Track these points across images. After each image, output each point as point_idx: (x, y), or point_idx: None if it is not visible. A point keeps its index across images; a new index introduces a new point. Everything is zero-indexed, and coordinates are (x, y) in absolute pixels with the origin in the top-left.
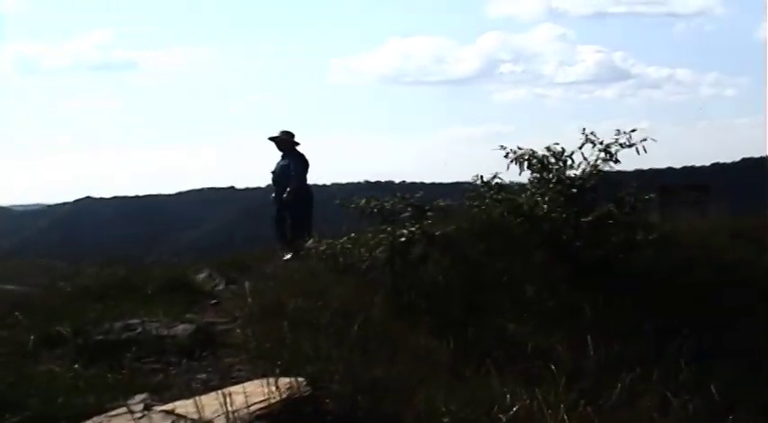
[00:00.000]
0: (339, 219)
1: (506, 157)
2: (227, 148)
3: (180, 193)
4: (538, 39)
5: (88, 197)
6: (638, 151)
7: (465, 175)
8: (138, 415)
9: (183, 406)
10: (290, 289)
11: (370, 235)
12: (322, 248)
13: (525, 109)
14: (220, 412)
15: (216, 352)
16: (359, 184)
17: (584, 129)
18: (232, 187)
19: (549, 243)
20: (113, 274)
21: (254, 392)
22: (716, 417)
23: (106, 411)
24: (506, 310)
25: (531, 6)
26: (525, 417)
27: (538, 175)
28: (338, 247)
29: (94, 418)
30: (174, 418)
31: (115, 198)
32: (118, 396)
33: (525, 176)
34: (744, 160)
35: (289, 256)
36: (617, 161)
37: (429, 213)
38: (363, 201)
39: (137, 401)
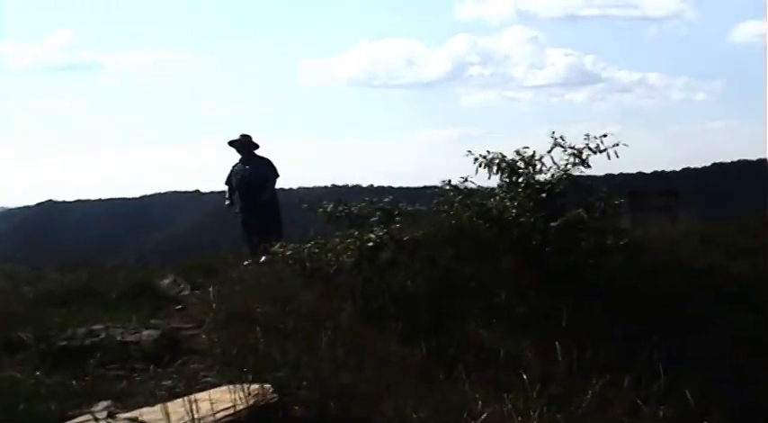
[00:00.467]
0: (305, 223)
1: (476, 161)
2: (192, 151)
3: (144, 197)
4: (507, 41)
5: (50, 200)
6: (608, 156)
7: (434, 179)
8: (102, 422)
9: (148, 413)
10: (256, 294)
11: (337, 240)
12: (288, 253)
13: (495, 112)
14: (186, 419)
15: (181, 358)
16: (326, 187)
17: (553, 132)
18: (197, 190)
19: (518, 248)
20: (77, 278)
21: (221, 399)
22: None
23: (69, 419)
24: (476, 315)
25: (501, 9)
26: None
27: (507, 180)
28: (305, 251)
29: None
30: None
31: (78, 201)
32: (81, 403)
33: (495, 181)
34: (715, 165)
35: (251, 261)
36: (588, 166)
37: (397, 218)
38: (331, 205)
39: (100, 408)
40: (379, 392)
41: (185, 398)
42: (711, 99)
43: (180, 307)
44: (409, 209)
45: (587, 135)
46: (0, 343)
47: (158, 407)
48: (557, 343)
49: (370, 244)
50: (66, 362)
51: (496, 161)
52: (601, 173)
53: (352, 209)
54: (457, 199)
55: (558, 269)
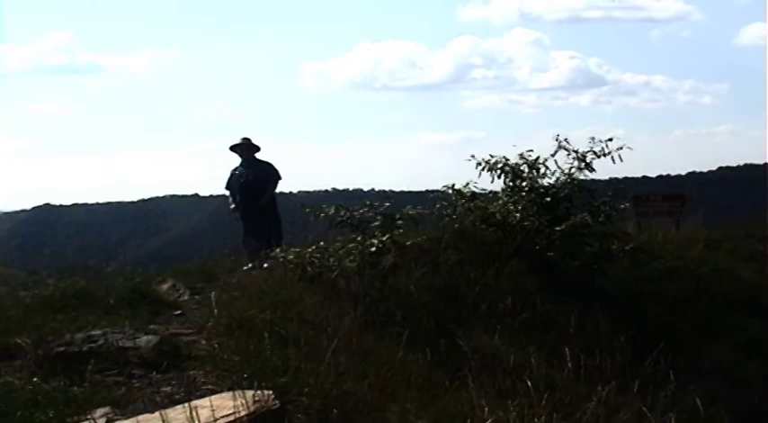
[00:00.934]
0: (306, 227)
1: (479, 165)
2: (192, 155)
3: (143, 201)
4: (510, 44)
5: (47, 204)
6: (613, 160)
7: (437, 183)
8: None
9: (147, 420)
10: (257, 299)
11: (339, 244)
12: (290, 258)
13: (498, 115)
14: None
15: (181, 364)
16: (326, 191)
17: (557, 136)
18: (196, 194)
19: (522, 253)
20: (74, 283)
21: (222, 406)
22: None
23: None
24: (480, 321)
25: (504, 10)
26: None
27: (511, 184)
28: (306, 256)
29: None
30: None
31: (75, 205)
32: (79, 410)
33: (498, 185)
34: (720, 169)
35: (251, 265)
36: (592, 170)
37: (399, 222)
38: (332, 209)
39: (99, 415)
40: (382, 400)
41: (185, 404)
42: (718, 102)
43: (179, 312)
44: (411, 212)
45: (592, 139)
46: None
47: (158, 414)
48: (562, 349)
49: (373, 249)
50: (63, 368)
51: (500, 165)
52: (605, 177)
53: (354, 213)
54: (460, 203)
55: (562, 274)
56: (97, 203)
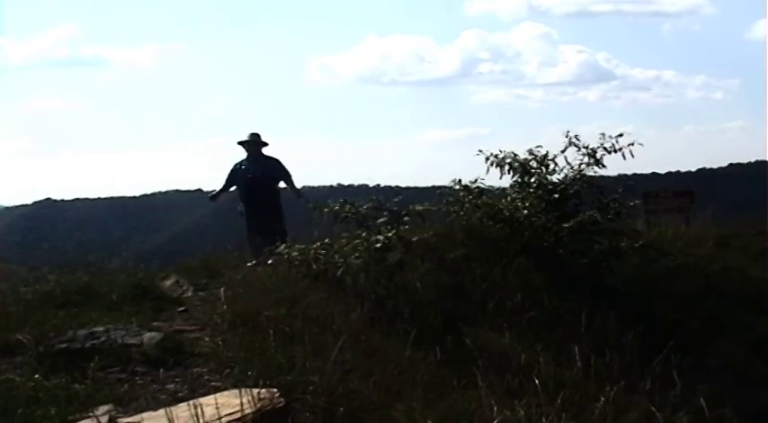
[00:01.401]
0: (311, 223)
1: (487, 160)
2: (195, 149)
3: (145, 196)
4: (518, 38)
5: (48, 199)
6: (624, 156)
7: (443, 179)
8: None
9: (151, 418)
10: (261, 296)
11: (344, 240)
12: (294, 254)
13: (505, 110)
14: None
15: (185, 361)
16: (332, 187)
17: (567, 132)
18: (199, 189)
19: (530, 250)
20: (76, 279)
21: (226, 404)
22: None
23: None
24: (487, 319)
25: (512, 4)
26: None
27: (519, 180)
28: (311, 252)
29: None
30: None
31: (77, 200)
32: (81, 407)
33: (506, 181)
34: (731, 166)
35: (255, 261)
36: (602, 166)
37: (406, 218)
38: (337, 205)
39: (101, 413)
40: (388, 398)
41: (189, 402)
42: (729, 98)
43: (182, 309)
44: (418, 208)
45: (602, 134)
46: None
47: (161, 411)
48: (570, 347)
49: (378, 245)
50: (65, 365)
51: (508, 161)
52: (614, 173)
53: (359, 209)
54: (467, 199)
55: (571, 271)
56: (99, 198)
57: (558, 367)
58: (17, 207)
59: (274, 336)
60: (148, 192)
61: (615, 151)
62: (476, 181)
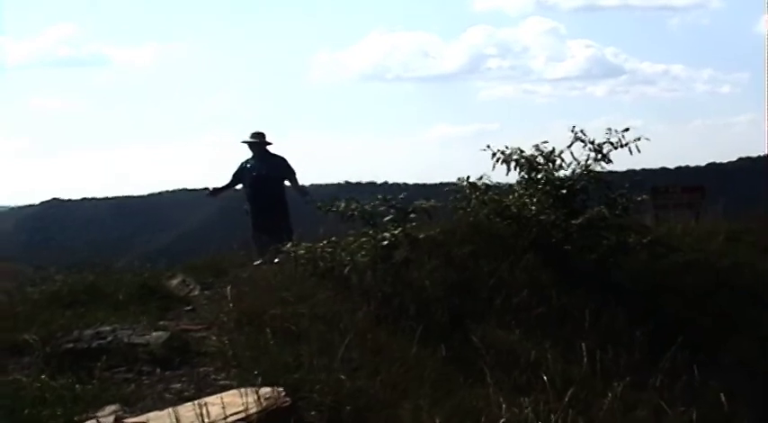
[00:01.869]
0: (317, 221)
1: (493, 156)
2: (200, 148)
3: (152, 195)
4: (526, 33)
5: (55, 199)
6: (630, 151)
7: (450, 176)
8: None
9: (157, 418)
10: (268, 295)
11: (351, 238)
12: (301, 252)
13: (512, 106)
14: None
15: (191, 361)
16: (339, 184)
17: (573, 127)
18: (206, 188)
19: (537, 246)
20: (83, 279)
21: (232, 403)
22: None
23: None
24: (494, 316)
25: None
26: None
27: (526, 176)
28: (318, 251)
29: None
30: None
31: (84, 200)
32: (88, 408)
33: (513, 177)
34: (740, 160)
35: (261, 260)
36: (609, 161)
37: (412, 215)
38: (343, 204)
39: (107, 413)
40: (395, 396)
41: (195, 402)
42: (737, 91)
43: (189, 308)
44: (425, 205)
45: (609, 129)
46: (4, 346)
47: (167, 411)
48: (578, 344)
49: (385, 243)
50: (72, 365)
51: (515, 157)
52: (622, 168)
53: (366, 207)
54: (474, 196)
55: (579, 268)
56: (106, 198)
57: (566, 364)
58: (24, 207)
59: (280, 334)
60: (154, 191)
61: (622, 146)
62: (481, 178)
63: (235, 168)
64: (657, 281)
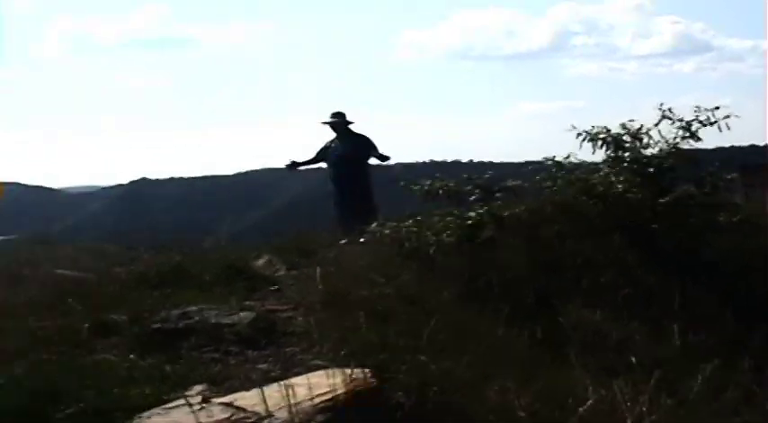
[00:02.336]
0: (402, 200)
1: (579, 135)
2: (288, 127)
3: (239, 174)
4: (612, 10)
5: (144, 179)
6: (720, 129)
7: (536, 154)
8: (197, 407)
9: (243, 398)
10: (354, 275)
11: (436, 218)
12: (386, 232)
13: (598, 83)
14: (282, 405)
15: (277, 341)
16: (425, 163)
17: (660, 104)
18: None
19: (624, 225)
20: (170, 259)
21: (318, 384)
22: None
23: (163, 403)
24: (580, 296)
25: None
26: (602, 410)
27: (612, 155)
28: (403, 230)
29: (151, 411)
30: (234, 410)
31: (172, 179)
32: (175, 387)
33: (599, 155)
34: None
35: (347, 240)
36: (698, 139)
37: (498, 194)
38: (429, 182)
39: (195, 393)
40: (481, 378)
41: (281, 382)
42: None
43: (275, 288)
44: (510, 184)
45: (698, 107)
46: (93, 326)
47: (254, 391)
48: (665, 325)
49: (470, 222)
50: (159, 345)
51: (601, 135)
52: (711, 146)
53: (451, 186)
54: (560, 175)
55: (666, 247)
56: (194, 177)
57: (654, 345)
58: (113, 187)
59: (367, 315)
60: (242, 170)
61: (711, 124)
62: (567, 157)
63: (321, 146)
64: (746, 261)
